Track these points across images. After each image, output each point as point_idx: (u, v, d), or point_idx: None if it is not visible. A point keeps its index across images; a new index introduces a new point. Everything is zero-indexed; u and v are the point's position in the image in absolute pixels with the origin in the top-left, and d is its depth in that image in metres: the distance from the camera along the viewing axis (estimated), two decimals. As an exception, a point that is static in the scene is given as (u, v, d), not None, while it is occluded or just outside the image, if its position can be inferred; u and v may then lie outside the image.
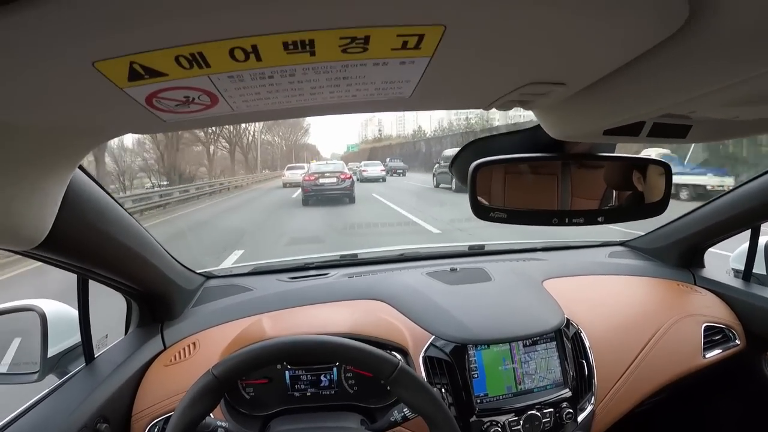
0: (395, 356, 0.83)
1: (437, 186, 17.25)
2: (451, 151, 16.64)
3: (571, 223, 0.74)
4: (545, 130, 0.63)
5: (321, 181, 13.14)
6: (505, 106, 0.53)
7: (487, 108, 0.54)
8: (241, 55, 0.33)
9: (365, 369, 0.87)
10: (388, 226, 8.89)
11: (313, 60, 0.35)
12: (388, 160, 32.40)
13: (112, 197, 0.82)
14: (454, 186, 14.42)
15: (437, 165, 17.97)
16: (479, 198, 0.73)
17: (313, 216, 10.90)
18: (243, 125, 37.24)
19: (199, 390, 0.77)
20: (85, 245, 0.77)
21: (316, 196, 13.03)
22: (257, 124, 43.37)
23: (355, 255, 1.71)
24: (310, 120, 63.11)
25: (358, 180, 15.71)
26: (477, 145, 0.80)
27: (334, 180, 13.15)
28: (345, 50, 0.34)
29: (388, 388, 0.81)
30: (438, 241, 6.91)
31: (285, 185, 21.10)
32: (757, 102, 0.46)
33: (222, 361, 0.80)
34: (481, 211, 0.74)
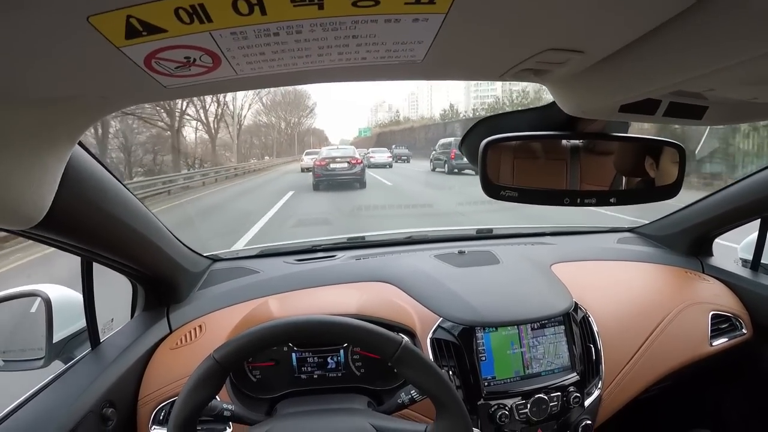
0: (400, 335, 0.81)
1: (433, 170, 19.09)
2: (446, 140, 18.77)
3: (583, 204, 0.73)
4: (559, 106, 0.62)
5: (332, 166, 13.30)
6: (519, 77, 0.52)
7: (500, 78, 0.53)
8: (245, 7, 0.32)
9: (369, 349, 0.86)
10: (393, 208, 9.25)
11: (321, 15, 0.33)
12: (393, 147, 33.13)
13: (115, 176, 0.81)
14: (446, 169, 16.75)
15: (434, 152, 19.84)
16: (489, 176, 0.72)
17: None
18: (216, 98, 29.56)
19: (201, 375, 0.76)
20: (86, 225, 0.76)
21: (327, 180, 13.16)
22: (245, 100, 36.46)
23: (363, 237, 1.70)
24: (315, 98, 56.19)
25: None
26: (488, 123, 0.79)
27: (345, 165, 13.30)
28: (355, 3, 0.32)
29: (394, 369, 0.80)
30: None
31: (303, 170, 21.60)
32: None
33: (223, 344, 0.78)
34: (492, 190, 0.72)
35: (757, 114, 0.64)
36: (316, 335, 0.83)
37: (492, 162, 0.72)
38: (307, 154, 24.92)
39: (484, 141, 0.71)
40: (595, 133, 0.76)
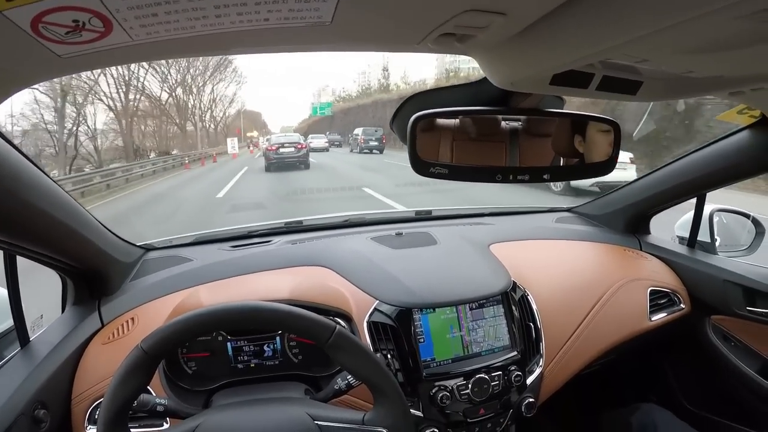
0: (336, 321, 0.79)
1: (351, 151, 25.88)
2: (358, 129, 25.71)
3: (516, 180, 0.72)
4: (488, 78, 0.60)
5: (281, 150, 16.18)
6: (440, 44, 0.49)
7: (419, 46, 0.50)
8: None
9: (302, 335, 0.84)
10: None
11: None
12: (327, 133, 36.74)
13: (33, 162, 0.75)
14: (358, 150, 23.86)
15: (350, 137, 28.04)
16: (419, 153, 0.70)
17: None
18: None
19: (128, 366, 0.73)
20: (3, 215, 0.71)
21: (277, 163, 15.82)
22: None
23: (300, 222, 1.66)
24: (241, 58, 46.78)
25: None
26: (418, 99, 0.77)
27: (293, 149, 16.26)
28: None
29: (329, 355, 0.79)
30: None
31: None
32: (709, 49, 0.44)
33: (150, 334, 0.75)
34: (421, 167, 0.71)
35: (692, 89, 0.64)
36: (247, 322, 0.80)
37: (422, 138, 0.70)
38: (267, 139, 26.88)
39: (413, 117, 0.70)
40: (529, 109, 0.75)
